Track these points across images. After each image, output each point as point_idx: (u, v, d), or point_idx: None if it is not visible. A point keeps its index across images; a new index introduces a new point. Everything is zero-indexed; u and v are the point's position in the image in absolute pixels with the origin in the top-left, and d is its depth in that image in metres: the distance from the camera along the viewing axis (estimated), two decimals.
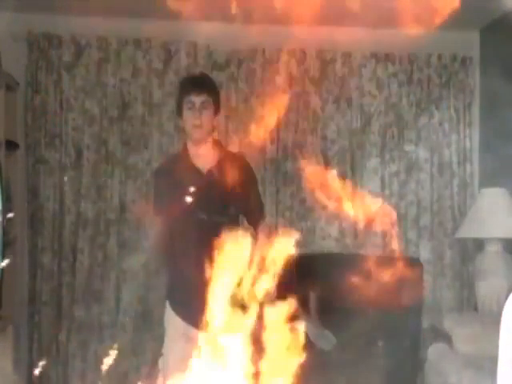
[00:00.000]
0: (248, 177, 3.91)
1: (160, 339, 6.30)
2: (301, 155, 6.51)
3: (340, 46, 6.53)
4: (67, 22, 6.33)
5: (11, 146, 5.87)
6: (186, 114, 3.86)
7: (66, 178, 6.30)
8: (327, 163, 6.51)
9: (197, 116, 3.84)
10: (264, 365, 2.94)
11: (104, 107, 6.39)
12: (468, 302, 6.51)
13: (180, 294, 3.86)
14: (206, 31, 6.45)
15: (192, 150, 3.88)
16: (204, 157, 3.84)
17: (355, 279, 6.07)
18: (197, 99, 3.85)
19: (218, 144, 3.94)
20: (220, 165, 3.79)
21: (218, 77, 6.49)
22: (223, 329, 2.85)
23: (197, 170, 3.81)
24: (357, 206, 6.45)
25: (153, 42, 6.42)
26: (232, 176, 3.70)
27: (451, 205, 6.55)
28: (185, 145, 3.94)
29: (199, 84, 3.92)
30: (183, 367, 2.89)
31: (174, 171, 3.84)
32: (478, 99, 6.69)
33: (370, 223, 6.07)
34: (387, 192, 6.54)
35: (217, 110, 3.92)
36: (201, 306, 2.82)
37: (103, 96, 6.38)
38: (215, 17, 6.33)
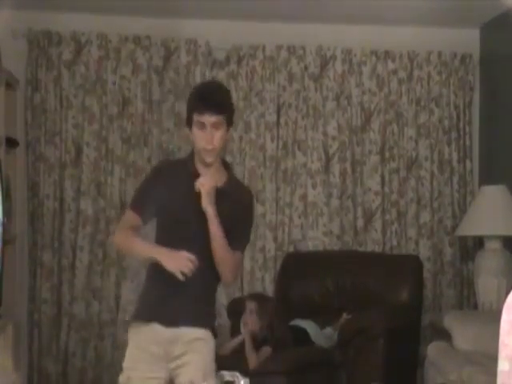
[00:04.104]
0: (244, 211, 3.58)
1: None
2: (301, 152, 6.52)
3: (340, 43, 6.53)
4: (67, 20, 6.34)
5: (11, 143, 5.87)
6: (196, 133, 3.46)
7: (65, 176, 6.31)
8: (327, 160, 6.51)
9: (209, 140, 3.43)
10: None
11: (104, 104, 6.39)
12: (468, 300, 6.51)
13: None
14: (206, 28, 6.46)
15: (199, 166, 3.55)
16: (208, 177, 3.49)
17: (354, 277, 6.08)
18: (209, 120, 3.42)
19: (225, 166, 3.63)
20: (223, 189, 3.50)
21: (217, 74, 6.49)
22: None
23: (196, 192, 3.48)
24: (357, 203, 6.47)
25: (153, 39, 6.42)
26: (230, 203, 3.48)
27: (451, 202, 6.55)
28: (192, 151, 3.61)
29: (212, 104, 3.43)
30: None
31: (178, 174, 3.57)
32: (477, 96, 6.69)
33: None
34: (387, 189, 6.53)
35: (230, 126, 3.52)
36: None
37: (103, 93, 6.38)
38: (215, 14, 6.35)
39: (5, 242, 5.16)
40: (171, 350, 3.45)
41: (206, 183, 3.41)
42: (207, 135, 3.43)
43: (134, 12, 6.31)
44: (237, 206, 3.51)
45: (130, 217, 3.59)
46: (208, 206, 3.40)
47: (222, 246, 3.43)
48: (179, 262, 3.34)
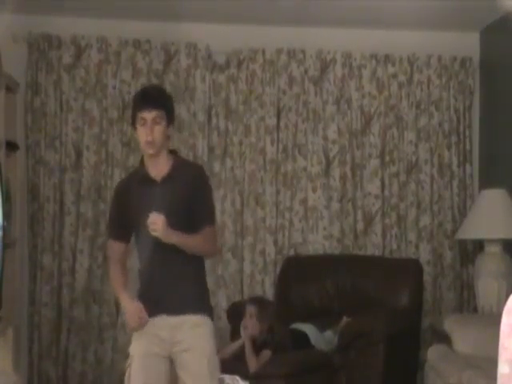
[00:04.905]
0: (198, 184, 3.92)
1: None
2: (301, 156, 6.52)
3: (340, 47, 6.54)
4: (67, 23, 6.34)
5: (11, 146, 5.87)
6: (139, 130, 3.90)
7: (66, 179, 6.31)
8: (327, 164, 6.51)
9: (148, 133, 3.85)
10: None
11: (104, 108, 6.39)
12: (468, 303, 6.51)
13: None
14: (206, 32, 6.47)
15: (148, 161, 3.95)
16: (159, 166, 3.91)
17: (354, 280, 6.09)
18: (148, 115, 3.85)
19: (172, 153, 4.00)
20: (171, 173, 3.89)
21: (217, 78, 6.50)
22: None
23: (151, 180, 3.90)
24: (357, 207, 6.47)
25: (153, 42, 6.43)
26: (182, 183, 3.85)
27: (451, 206, 6.56)
28: (142, 157, 4.03)
29: (150, 100, 3.88)
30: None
31: (131, 184, 3.97)
32: (477, 100, 6.69)
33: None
34: (387, 193, 6.54)
35: (170, 121, 3.93)
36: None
37: (103, 97, 6.39)
38: (215, 18, 6.35)
39: (5, 246, 5.16)
40: (174, 334, 3.80)
41: (157, 228, 3.72)
42: (147, 129, 3.85)
43: (134, 16, 6.32)
44: (188, 185, 3.86)
45: (114, 246, 4.03)
46: (170, 239, 3.76)
47: (194, 247, 3.84)
48: (129, 319, 3.88)
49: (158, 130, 3.85)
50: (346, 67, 6.55)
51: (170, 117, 3.93)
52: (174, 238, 3.74)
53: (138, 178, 3.95)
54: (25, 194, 6.30)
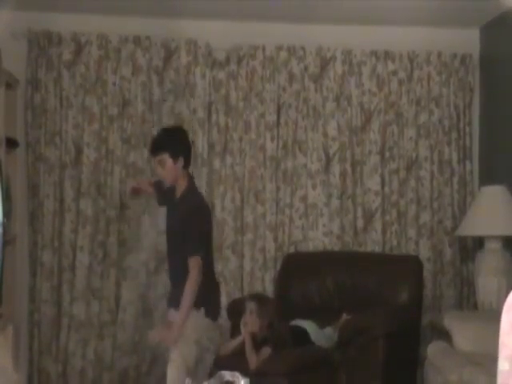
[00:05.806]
0: (189, 214, 4.58)
1: None
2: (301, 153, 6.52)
3: (340, 44, 6.53)
4: (67, 20, 6.34)
5: (11, 143, 5.87)
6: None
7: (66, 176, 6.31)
8: (327, 161, 6.51)
9: (158, 172, 4.73)
10: None
11: (104, 105, 6.39)
12: (468, 300, 6.52)
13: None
14: (206, 29, 6.47)
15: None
16: (179, 189, 4.71)
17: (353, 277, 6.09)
18: (154, 160, 4.73)
19: (187, 178, 4.72)
20: (180, 197, 4.69)
21: (217, 74, 6.50)
22: None
23: (174, 198, 4.73)
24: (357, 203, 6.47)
25: (153, 39, 6.42)
26: (182, 208, 4.62)
27: (451, 202, 6.56)
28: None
29: (151, 149, 4.73)
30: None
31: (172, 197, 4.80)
32: (477, 97, 6.69)
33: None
34: (387, 189, 6.54)
35: (175, 157, 4.60)
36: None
37: (103, 94, 6.39)
38: (215, 14, 6.35)
39: (5, 242, 5.16)
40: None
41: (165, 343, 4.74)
42: (156, 170, 4.77)
43: (134, 12, 6.32)
44: (182, 215, 4.58)
45: None
46: (176, 338, 4.56)
47: (192, 299, 4.51)
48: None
49: (165, 170, 4.63)
50: (345, 64, 6.55)
51: (174, 153, 4.59)
52: (177, 331, 4.52)
53: (171, 192, 4.76)
54: (25, 190, 6.30)
